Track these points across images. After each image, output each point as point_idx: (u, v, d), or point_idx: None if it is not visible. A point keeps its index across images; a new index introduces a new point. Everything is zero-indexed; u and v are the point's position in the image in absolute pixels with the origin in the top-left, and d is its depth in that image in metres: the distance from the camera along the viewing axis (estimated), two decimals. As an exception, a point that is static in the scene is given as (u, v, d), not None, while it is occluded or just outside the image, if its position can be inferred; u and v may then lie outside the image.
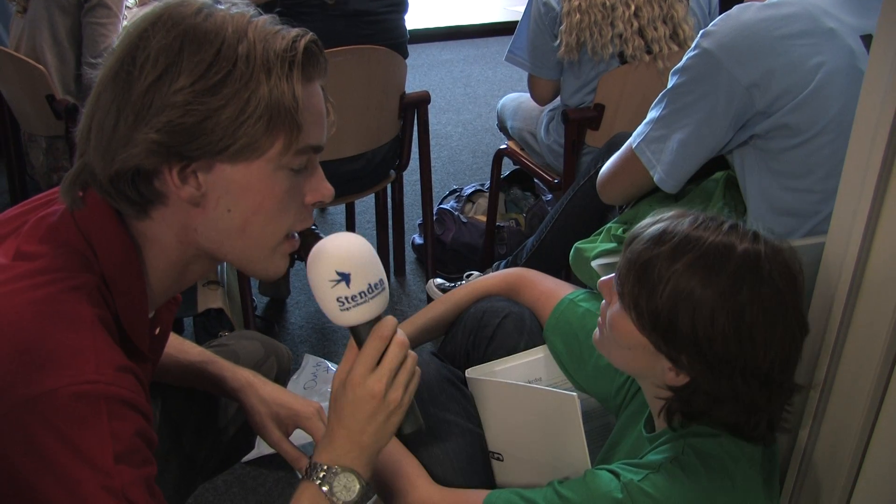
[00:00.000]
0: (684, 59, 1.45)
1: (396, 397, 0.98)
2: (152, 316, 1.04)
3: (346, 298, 0.95)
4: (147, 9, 0.91)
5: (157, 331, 1.08)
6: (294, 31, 0.92)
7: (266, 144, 0.90)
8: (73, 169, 0.92)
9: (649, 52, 2.24)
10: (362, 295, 0.96)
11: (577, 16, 2.23)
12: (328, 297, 0.96)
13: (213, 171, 0.91)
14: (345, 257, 0.95)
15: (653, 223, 1.07)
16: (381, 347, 0.98)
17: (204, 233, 0.95)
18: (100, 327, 0.87)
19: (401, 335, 1.00)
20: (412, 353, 1.01)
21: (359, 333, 1.00)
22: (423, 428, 1.05)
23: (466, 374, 1.42)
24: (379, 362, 0.98)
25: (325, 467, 0.98)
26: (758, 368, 1.00)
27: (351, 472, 0.98)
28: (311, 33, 0.93)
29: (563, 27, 2.27)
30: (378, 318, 0.99)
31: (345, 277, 0.95)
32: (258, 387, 1.31)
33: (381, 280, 0.97)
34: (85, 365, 0.82)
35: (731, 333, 0.99)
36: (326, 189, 0.99)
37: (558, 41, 2.30)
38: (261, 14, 0.93)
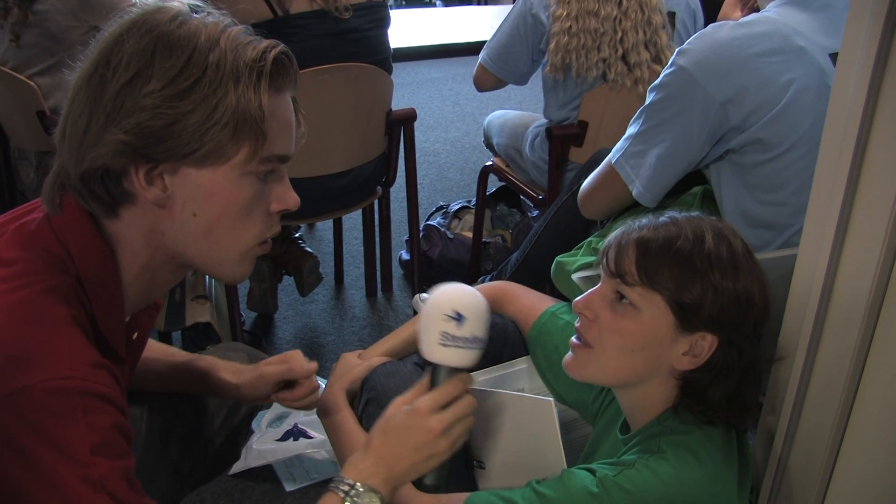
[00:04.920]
0: (661, 76, 1.49)
1: (446, 444, 1.02)
2: (129, 320, 1.06)
3: (451, 337, 1.02)
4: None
5: (135, 335, 1.10)
6: (265, 43, 0.94)
7: (231, 151, 0.92)
8: (52, 171, 0.95)
9: (631, 74, 2.28)
10: (465, 341, 1.02)
11: (566, 38, 2.26)
12: (435, 327, 1.02)
13: (179, 175, 0.93)
14: (467, 302, 1.02)
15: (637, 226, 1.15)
16: (456, 395, 1.03)
17: (170, 235, 0.97)
18: (74, 327, 0.89)
19: (471, 398, 1.06)
20: (471, 416, 1.06)
21: (437, 374, 1.05)
22: (442, 487, 1.09)
23: None
24: (445, 408, 1.03)
25: (350, 483, 1.00)
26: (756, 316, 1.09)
27: (375, 494, 1.00)
28: (282, 45, 0.96)
29: (551, 46, 2.30)
30: (462, 371, 1.05)
31: (459, 318, 1.01)
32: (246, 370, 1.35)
33: (485, 339, 1.04)
34: (59, 362, 0.85)
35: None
36: (292, 198, 1.02)
37: (545, 59, 2.33)
38: (235, 24, 0.95)
